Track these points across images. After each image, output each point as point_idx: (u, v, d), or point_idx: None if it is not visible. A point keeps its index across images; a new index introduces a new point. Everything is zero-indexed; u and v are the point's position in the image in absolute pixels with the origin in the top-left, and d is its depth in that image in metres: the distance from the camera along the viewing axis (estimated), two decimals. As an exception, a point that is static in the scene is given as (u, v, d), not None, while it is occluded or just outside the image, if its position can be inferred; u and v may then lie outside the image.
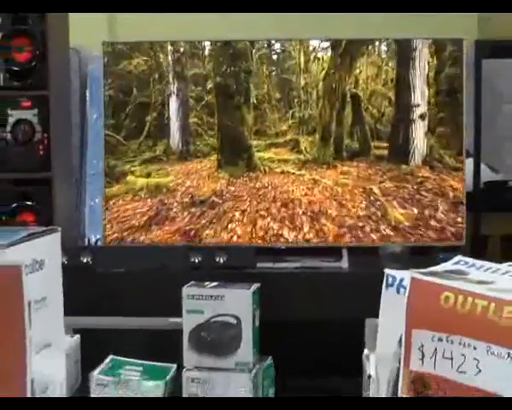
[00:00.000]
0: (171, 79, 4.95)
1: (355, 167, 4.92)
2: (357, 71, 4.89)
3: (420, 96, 4.79)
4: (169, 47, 4.92)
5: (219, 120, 4.92)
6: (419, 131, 4.81)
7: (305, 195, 4.92)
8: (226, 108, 4.95)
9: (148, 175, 4.95)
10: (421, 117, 4.80)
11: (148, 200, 4.94)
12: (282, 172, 5.00)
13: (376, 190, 4.84)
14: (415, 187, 4.81)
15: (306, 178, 4.94)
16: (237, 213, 4.89)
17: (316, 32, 5.11)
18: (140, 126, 4.99)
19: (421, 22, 5.40)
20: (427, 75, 4.79)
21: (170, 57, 4.94)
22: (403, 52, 4.82)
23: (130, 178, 4.98)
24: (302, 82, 4.96)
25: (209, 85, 4.96)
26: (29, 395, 1.13)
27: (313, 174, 5.00)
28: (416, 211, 4.77)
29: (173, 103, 4.98)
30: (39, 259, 1.19)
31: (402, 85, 4.82)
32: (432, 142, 4.80)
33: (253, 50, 4.93)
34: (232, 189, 4.93)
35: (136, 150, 4.94)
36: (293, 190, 4.95)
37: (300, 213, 4.86)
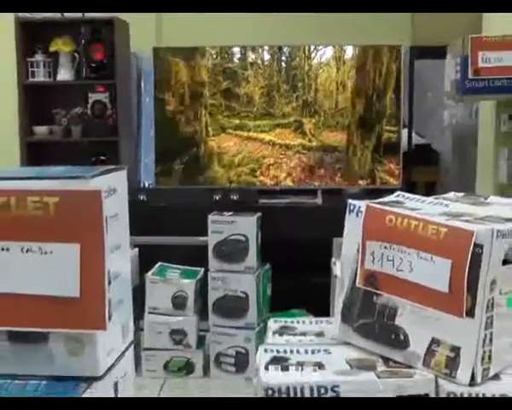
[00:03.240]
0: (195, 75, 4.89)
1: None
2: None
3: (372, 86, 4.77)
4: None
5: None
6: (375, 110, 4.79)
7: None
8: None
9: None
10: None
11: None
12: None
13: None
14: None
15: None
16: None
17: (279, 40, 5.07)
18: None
19: (369, 31, 5.36)
20: (377, 70, 4.76)
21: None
22: (361, 54, 4.79)
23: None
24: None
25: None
26: (106, 281, 1.15)
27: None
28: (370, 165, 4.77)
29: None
30: (112, 187, 1.19)
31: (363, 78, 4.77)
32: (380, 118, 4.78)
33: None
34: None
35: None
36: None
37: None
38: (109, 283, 1.16)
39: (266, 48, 4.88)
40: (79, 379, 1.15)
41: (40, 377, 1.15)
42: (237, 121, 4.82)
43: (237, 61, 4.87)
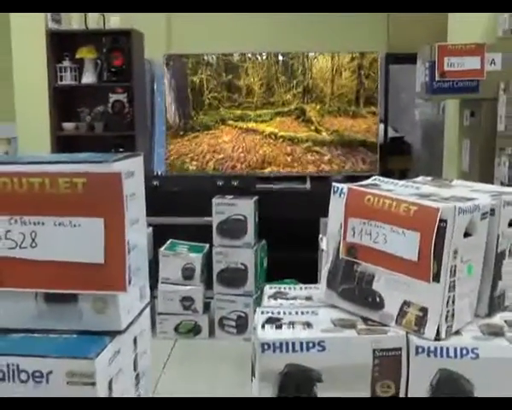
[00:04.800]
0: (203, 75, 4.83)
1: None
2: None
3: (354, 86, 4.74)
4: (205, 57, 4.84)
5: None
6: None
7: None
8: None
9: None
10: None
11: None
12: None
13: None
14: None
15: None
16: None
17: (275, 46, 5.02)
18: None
19: (350, 39, 5.37)
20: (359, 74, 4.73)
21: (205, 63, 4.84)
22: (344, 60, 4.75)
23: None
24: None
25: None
26: (126, 250, 1.15)
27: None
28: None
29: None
30: (131, 170, 1.19)
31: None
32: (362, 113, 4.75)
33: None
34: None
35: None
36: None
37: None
38: (129, 252, 1.16)
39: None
40: (104, 334, 1.16)
41: (71, 332, 1.17)
42: (239, 112, 4.69)
43: (237, 56, 4.75)
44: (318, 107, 4.61)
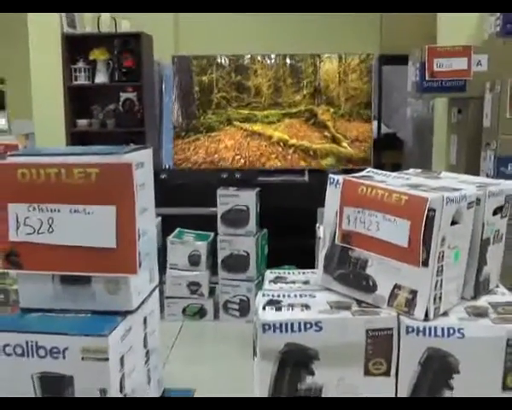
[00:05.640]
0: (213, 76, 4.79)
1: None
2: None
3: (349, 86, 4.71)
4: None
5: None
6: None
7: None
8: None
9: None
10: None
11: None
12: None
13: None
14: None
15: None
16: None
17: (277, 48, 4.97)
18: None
19: (345, 41, 5.35)
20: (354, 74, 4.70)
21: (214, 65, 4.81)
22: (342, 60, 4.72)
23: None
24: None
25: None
26: (137, 236, 1.16)
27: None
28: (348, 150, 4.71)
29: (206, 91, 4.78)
30: (141, 162, 1.19)
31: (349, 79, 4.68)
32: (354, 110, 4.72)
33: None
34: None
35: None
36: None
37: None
38: (139, 237, 1.17)
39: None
40: (117, 313, 1.17)
41: (86, 311, 1.18)
42: (246, 112, 4.56)
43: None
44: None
